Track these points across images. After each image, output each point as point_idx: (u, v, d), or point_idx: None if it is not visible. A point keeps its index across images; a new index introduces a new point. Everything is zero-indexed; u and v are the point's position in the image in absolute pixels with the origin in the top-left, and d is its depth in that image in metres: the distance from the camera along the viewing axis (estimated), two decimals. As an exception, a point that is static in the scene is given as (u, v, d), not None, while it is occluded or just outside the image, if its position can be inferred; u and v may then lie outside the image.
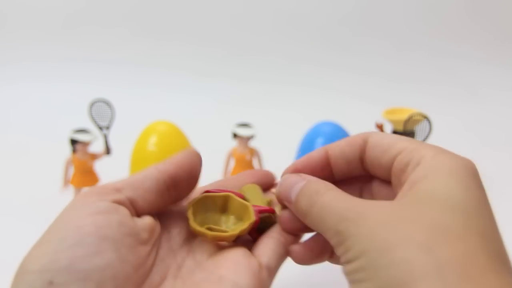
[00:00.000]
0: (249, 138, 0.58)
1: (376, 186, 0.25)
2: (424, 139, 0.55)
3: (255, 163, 0.60)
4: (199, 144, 0.63)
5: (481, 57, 1.14)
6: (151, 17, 1.12)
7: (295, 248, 0.25)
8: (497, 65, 1.14)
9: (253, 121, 0.60)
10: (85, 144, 0.56)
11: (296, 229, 0.25)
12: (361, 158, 0.24)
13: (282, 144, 0.71)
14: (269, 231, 0.26)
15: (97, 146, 0.59)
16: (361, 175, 0.25)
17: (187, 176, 0.25)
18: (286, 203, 0.24)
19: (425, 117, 0.54)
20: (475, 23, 1.15)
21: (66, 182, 0.59)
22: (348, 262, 0.19)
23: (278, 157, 0.66)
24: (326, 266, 0.28)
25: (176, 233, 0.24)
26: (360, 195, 0.26)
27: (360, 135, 0.24)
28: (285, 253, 0.25)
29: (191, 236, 0.25)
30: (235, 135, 0.58)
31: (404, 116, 0.56)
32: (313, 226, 0.22)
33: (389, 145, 0.23)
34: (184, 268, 0.23)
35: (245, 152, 0.59)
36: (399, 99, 0.87)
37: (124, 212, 0.22)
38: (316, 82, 1.10)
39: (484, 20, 1.15)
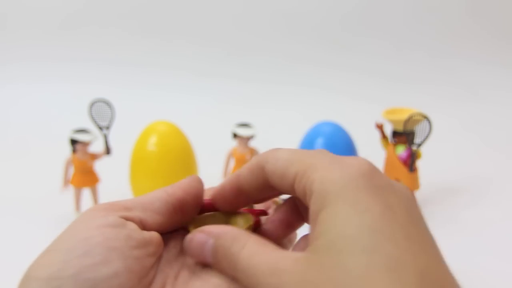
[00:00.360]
0: (249, 138, 0.58)
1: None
2: (424, 139, 0.55)
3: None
4: (199, 144, 0.63)
5: (481, 58, 1.14)
6: (151, 18, 1.12)
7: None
8: (497, 65, 1.14)
9: (253, 121, 0.60)
10: (85, 144, 0.56)
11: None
12: (267, 184, 0.23)
13: (282, 144, 0.71)
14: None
15: (97, 146, 0.59)
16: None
17: (192, 201, 0.25)
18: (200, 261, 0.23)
19: (425, 117, 0.54)
20: (475, 23, 1.15)
21: (66, 182, 0.59)
22: None
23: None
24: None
25: (172, 246, 0.25)
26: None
27: (257, 159, 0.23)
28: None
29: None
30: (235, 135, 0.58)
31: (404, 116, 0.56)
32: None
33: (282, 171, 0.21)
34: (180, 277, 0.23)
35: (245, 152, 0.59)
36: (399, 99, 0.87)
37: (133, 226, 0.22)
38: (316, 82, 1.10)
39: (484, 20, 1.15)
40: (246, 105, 1.02)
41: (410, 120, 0.55)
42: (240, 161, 0.59)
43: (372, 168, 0.19)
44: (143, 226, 0.23)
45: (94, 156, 0.58)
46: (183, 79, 1.09)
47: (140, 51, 1.12)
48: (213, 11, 1.13)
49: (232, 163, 0.60)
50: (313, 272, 0.17)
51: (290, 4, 1.13)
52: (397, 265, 0.16)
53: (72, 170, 0.58)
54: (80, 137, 0.56)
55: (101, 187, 0.60)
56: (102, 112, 0.58)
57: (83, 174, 0.58)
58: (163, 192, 0.24)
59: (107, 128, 0.58)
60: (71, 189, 0.58)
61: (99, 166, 0.60)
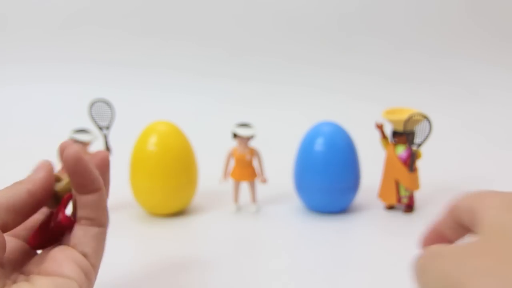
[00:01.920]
0: (249, 138, 0.58)
1: None
2: (424, 139, 0.55)
3: (255, 163, 0.60)
4: (199, 144, 0.63)
5: (481, 57, 1.14)
6: (151, 18, 1.12)
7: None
8: (497, 65, 1.14)
9: (253, 121, 0.60)
10: (85, 144, 0.56)
11: None
12: (463, 225, 0.26)
13: (282, 144, 0.71)
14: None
15: (97, 146, 0.59)
16: None
17: (46, 193, 0.31)
18: None
19: (425, 117, 0.54)
20: (475, 23, 1.15)
21: (66, 182, 0.59)
22: None
23: (278, 157, 0.66)
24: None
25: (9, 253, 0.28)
26: None
27: (451, 206, 0.27)
28: (100, 233, 0.31)
29: (22, 256, 0.29)
30: (235, 135, 0.58)
31: (404, 116, 0.56)
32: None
33: (472, 208, 0.25)
34: (18, 281, 0.26)
35: (245, 152, 0.59)
36: (399, 99, 0.87)
37: None
38: (316, 82, 1.10)
39: (484, 20, 1.15)
40: (246, 105, 1.02)
41: (410, 120, 0.55)
42: (240, 161, 0.59)
43: None
44: (4, 229, 0.26)
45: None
46: (183, 79, 1.09)
47: (140, 51, 1.12)
48: (213, 11, 1.13)
49: (232, 163, 0.60)
50: (478, 244, 0.20)
51: (290, 4, 1.13)
52: None
53: (72, 170, 0.58)
54: (80, 137, 0.56)
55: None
56: (102, 112, 0.58)
57: (83, 174, 0.58)
58: (25, 191, 0.27)
59: (107, 128, 0.58)
60: (71, 189, 0.58)
61: (99, 166, 0.59)
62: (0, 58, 1.08)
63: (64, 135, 0.58)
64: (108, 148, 0.58)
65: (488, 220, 0.22)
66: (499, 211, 0.21)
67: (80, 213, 0.30)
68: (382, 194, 0.60)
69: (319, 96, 1.07)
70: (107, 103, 0.58)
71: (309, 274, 0.44)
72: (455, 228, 0.27)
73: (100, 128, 0.58)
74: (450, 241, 0.28)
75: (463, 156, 0.82)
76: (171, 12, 1.12)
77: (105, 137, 0.58)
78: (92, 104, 0.57)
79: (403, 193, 0.59)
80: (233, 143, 0.60)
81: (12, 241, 0.30)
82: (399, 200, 0.59)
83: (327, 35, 1.14)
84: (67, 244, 0.29)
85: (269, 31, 1.13)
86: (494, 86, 1.11)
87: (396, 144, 0.58)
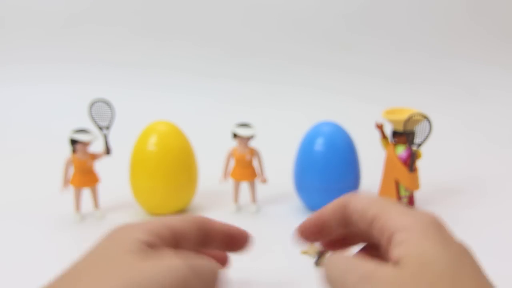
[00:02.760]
0: (249, 138, 0.58)
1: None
2: (424, 139, 0.55)
3: (255, 163, 0.60)
4: (199, 144, 0.63)
5: (481, 58, 1.14)
6: (151, 18, 1.12)
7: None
8: (497, 65, 1.14)
9: (253, 121, 0.60)
10: (85, 144, 0.56)
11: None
12: (346, 221, 0.28)
13: (282, 144, 0.71)
14: None
15: (97, 146, 0.59)
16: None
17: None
18: None
19: (425, 117, 0.54)
20: (476, 23, 1.15)
21: (66, 182, 0.59)
22: None
23: (278, 157, 0.66)
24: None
25: None
26: None
27: (340, 200, 0.28)
28: None
29: None
30: (235, 135, 0.58)
31: (404, 116, 0.56)
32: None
33: (363, 212, 0.26)
34: None
35: (245, 152, 0.59)
36: (399, 99, 0.87)
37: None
38: (316, 82, 1.10)
39: (484, 20, 1.15)
40: (246, 105, 1.02)
41: (410, 120, 0.55)
42: (240, 161, 0.59)
43: (440, 221, 0.25)
44: None
45: (94, 156, 0.58)
46: (183, 79, 1.09)
47: (140, 52, 1.12)
48: (213, 11, 1.13)
49: (232, 163, 0.60)
50: (407, 279, 0.22)
51: (290, 5, 1.13)
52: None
53: (72, 170, 0.58)
54: (80, 137, 0.56)
55: (101, 187, 0.60)
56: (102, 112, 0.58)
57: (83, 174, 0.58)
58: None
59: (107, 128, 0.58)
60: (71, 189, 0.58)
61: (99, 166, 0.60)
62: (0, 58, 1.08)
63: (64, 135, 0.58)
64: (108, 148, 0.58)
65: (410, 250, 0.23)
66: (419, 240, 0.23)
67: None
68: (382, 194, 0.60)
69: (319, 96, 1.07)
70: (107, 103, 0.58)
71: (309, 274, 0.44)
72: (342, 224, 0.28)
73: (100, 128, 0.58)
74: (328, 233, 0.29)
75: (463, 156, 0.82)
76: (171, 13, 1.12)
77: (105, 137, 0.58)
78: (92, 104, 0.57)
79: (403, 193, 0.59)
80: (233, 143, 0.60)
81: None
82: (399, 200, 0.59)
83: (327, 35, 1.14)
84: None
85: (269, 32, 1.13)
86: (494, 86, 1.11)
87: (396, 144, 0.58)
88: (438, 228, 0.24)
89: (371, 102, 0.94)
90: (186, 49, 1.12)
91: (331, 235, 0.29)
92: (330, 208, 0.28)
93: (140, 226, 0.26)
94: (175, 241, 0.27)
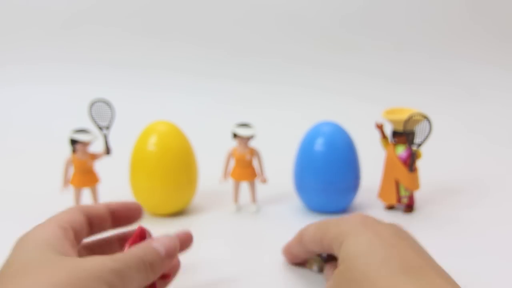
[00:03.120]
0: (249, 138, 0.58)
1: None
2: (424, 139, 0.55)
3: (255, 163, 0.60)
4: (199, 144, 0.63)
5: (482, 58, 1.14)
6: (151, 18, 1.12)
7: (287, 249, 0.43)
8: (498, 66, 1.14)
9: (253, 121, 0.60)
10: (85, 144, 0.56)
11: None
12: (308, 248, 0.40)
13: (282, 144, 0.71)
14: None
15: (97, 146, 0.59)
16: None
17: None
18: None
19: (425, 117, 0.54)
20: (476, 23, 1.15)
21: (66, 182, 0.59)
22: None
23: (278, 157, 0.66)
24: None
25: None
26: None
27: (299, 234, 0.40)
28: None
29: None
30: (235, 135, 0.58)
31: (404, 116, 0.56)
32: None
33: (315, 240, 0.36)
34: None
35: (245, 152, 0.59)
36: (399, 99, 0.87)
37: None
38: (316, 82, 1.10)
39: (485, 20, 1.15)
40: (245, 105, 1.02)
41: (410, 120, 0.55)
42: (240, 161, 0.59)
43: (364, 216, 0.33)
44: None
45: (94, 156, 0.58)
46: (183, 79, 1.10)
47: (140, 52, 1.12)
48: (213, 12, 1.13)
49: (232, 163, 0.60)
50: (339, 280, 0.29)
51: (289, 5, 1.13)
52: (385, 258, 0.27)
53: (72, 170, 0.58)
54: (80, 137, 0.56)
55: (101, 187, 0.60)
56: (102, 112, 0.58)
57: (83, 174, 0.58)
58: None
59: (107, 128, 0.58)
60: (71, 189, 0.58)
61: (99, 166, 0.60)
62: (0, 58, 1.08)
63: (64, 135, 0.58)
64: (108, 148, 0.58)
65: (341, 254, 0.30)
66: (348, 241, 0.30)
67: None
68: (382, 194, 0.60)
69: (319, 96, 1.07)
70: (107, 103, 0.58)
71: (309, 274, 0.44)
72: (304, 252, 0.38)
73: (100, 128, 0.58)
74: (301, 257, 0.41)
75: (463, 156, 0.82)
76: (171, 13, 1.12)
77: (105, 137, 0.58)
78: (92, 104, 0.57)
79: (403, 193, 0.59)
80: (233, 143, 0.60)
81: None
82: (399, 200, 0.59)
83: (327, 35, 1.14)
84: None
85: (269, 32, 1.13)
86: (494, 87, 1.11)
87: (396, 144, 0.58)
88: (364, 222, 0.31)
89: (371, 102, 0.94)
90: (186, 49, 1.12)
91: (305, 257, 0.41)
92: (294, 242, 0.40)
93: (36, 235, 0.27)
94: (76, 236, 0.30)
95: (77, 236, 0.30)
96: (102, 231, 0.33)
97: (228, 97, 1.06)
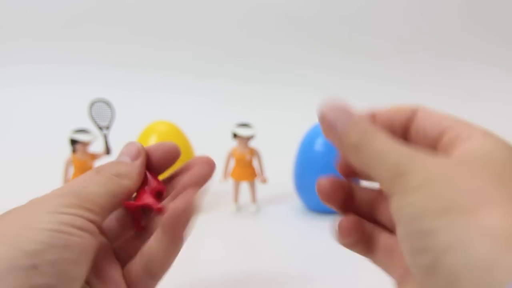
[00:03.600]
0: (249, 138, 0.58)
1: None
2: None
3: (255, 163, 0.60)
4: (199, 144, 0.63)
5: (482, 59, 1.14)
6: (151, 19, 1.12)
7: (342, 222, 0.25)
8: (498, 66, 1.14)
9: (253, 121, 0.60)
10: (85, 144, 0.56)
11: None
12: (406, 128, 0.24)
13: (282, 144, 0.71)
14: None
15: (97, 146, 0.59)
16: None
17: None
18: (327, 130, 0.23)
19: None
20: (476, 24, 1.15)
21: (66, 182, 0.59)
22: (404, 192, 0.18)
23: (278, 157, 0.66)
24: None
25: None
26: None
27: (409, 105, 0.24)
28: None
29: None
30: (235, 135, 0.58)
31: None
32: (363, 164, 0.21)
33: (439, 120, 0.22)
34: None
35: (245, 152, 0.59)
36: (399, 100, 0.87)
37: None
38: (316, 82, 1.10)
39: (485, 21, 1.15)
40: (246, 106, 1.02)
41: (410, 120, 0.55)
42: (240, 161, 0.59)
43: None
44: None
45: (94, 156, 0.58)
46: (183, 80, 1.10)
47: (141, 52, 1.12)
48: (213, 12, 1.13)
49: (232, 163, 0.60)
50: (463, 164, 0.18)
51: (289, 5, 1.13)
52: None
53: (72, 170, 0.58)
54: (80, 137, 0.56)
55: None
56: (102, 112, 0.58)
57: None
58: (126, 189, 0.25)
59: (107, 128, 0.58)
60: (71, 189, 0.58)
61: (99, 166, 0.60)
62: (0, 58, 1.08)
63: (64, 135, 0.58)
64: (108, 148, 0.58)
65: (468, 145, 0.20)
66: (486, 138, 0.20)
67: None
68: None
69: (319, 96, 1.06)
70: (107, 103, 0.58)
71: (309, 274, 0.44)
72: (395, 130, 0.24)
73: (100, 128, 0.58)
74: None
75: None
76: (171, 14, 1.12)
77: (105, 137, 0.58)
78: (92, 104, 0.57)
79: (403, 193, 0.59)
80: (233, 143, 0.60)
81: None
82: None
83: (326, 36, 1.14)
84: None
85: (268, 33, 1.13)
86: (494, 88, 1.11)
87: (396, 144, 0.58)
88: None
89: (372, 102, 0.94)
90: (186, 50, 1.12)
91: None
92: (392, 108, 0.24)
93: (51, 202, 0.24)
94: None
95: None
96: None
97: (228, 97, 1.06)
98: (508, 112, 1.02)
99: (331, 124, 0.22)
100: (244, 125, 0.58)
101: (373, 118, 0.24)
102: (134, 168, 0.27)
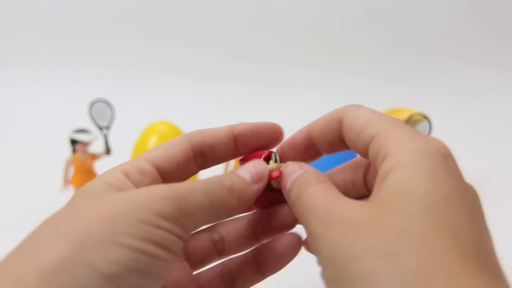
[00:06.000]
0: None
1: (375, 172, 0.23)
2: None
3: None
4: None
5: (483, 60, 1.14)
6: (151, 20, 1.12)
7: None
8: (498, 67, 1.14)
9: (252, 122, 0.60)
10: (85, 144, 0.56)
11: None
12: (340, 138, 0.23)
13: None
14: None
15: (97, 146, 0.59)
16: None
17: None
18: (283, 191, 0.23)
19: (425, 117, 0.54)
20: (476, 24, 1.15)
21: (66, 182, 0.59)
22: (320, 267, 0.18)
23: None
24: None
25: None
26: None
27: (335, 113, 0.23)
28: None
29: None
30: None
31: (404, 116, 0.56)
32: (298, 219, 0.21)
33: (360, 130, 0.21)
34: None
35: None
36: (399, 101, 0.87)
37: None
38: (316, 83, 1.10)
39: (486, 22, 1.15)
40: (245, 106, 1.02)
41: (410, 120, 0.55)
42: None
43: (449, 152, 0.19)
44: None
45: (94, 156, 0.58)
46: (183, 80, 1.10)
47: (141, 53, 1.12)
48: (213, 13, 1.13)
49: (232, 163, 0.60)
50: (374, 212, 0.17)
51: (289, 6, 1.13)
52: (457, 233, 0.16)
53: (72, 170, 0.58)
54: (80, 137, 0.56)
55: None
56: (102, 112, 0.58)
57: (83, 174, 0.58)
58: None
59: (107, 128, 0.58)
60: (71, 189, 0.59)
61: (99, 166, 0.60)
62: (0, 59, 1.08)
63: (64, 135, 0.58)
64: (108, 148, 0.58)
65: (392, 181, 0.18)
66: (410, 168, 0.17)
67: None
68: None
69: (319, 97, 1.07)
70: (107, 103, 0.58)
71: (309, 274, 0.44)
72: (334, 143, 0.23)
73: (100, 128, 0.58)
74: (316, 154, 0.24)
75: (463, 156, 0.82)
76: (171, 15, 1.12)
77: (105, 137, 0.58)
78: (92, 104, 0.57)
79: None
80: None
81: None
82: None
83: (326, 36, 1.14)
84: None
85: (268, 33, 1.13)
86: (494, 88, 1.11)
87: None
88: (443, 161, 0.18)
89: (371, 103, 0.94)
90: (186, 50, 1.12)
91: (318, 156, 0.25)
92: (321, 122, 0.24)
93: (115, 169, 0.23)
94: (168, 172, 0.23)
95: (169, 174, 0.24)
96: (222, 161, 0.26)
97: (228, 97, 1.06)
98: (509, 112, 1.02)
99: (284, 186, 0.23)
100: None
101: (308, 140, 0.24)
102: (250, 192, 0.23)
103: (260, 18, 1.13)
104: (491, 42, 1.15)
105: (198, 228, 0.21)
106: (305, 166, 0.23)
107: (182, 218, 0.19)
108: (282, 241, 0.25)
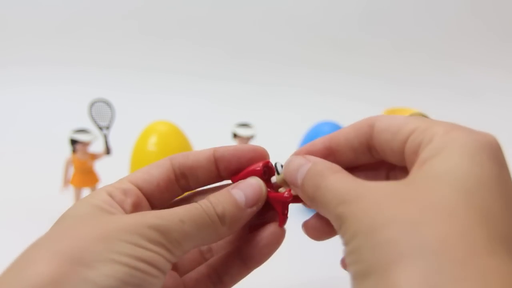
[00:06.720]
0: (249, 138, 0.58)
1: (399, 172, 0.23)
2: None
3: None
4: (199, 144, 0.63)
5: (483, 60, 1.14)
6: (151, 20, 1.12)
7: (309, 222, 0.25)
8: (498, 67, 1.14)
9: (253, 122, 0.60)
10: (85, 144, 0.56)
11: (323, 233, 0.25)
12: (368, 144, 0.22)
13: (282, 144, 0.71)
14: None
15: (97, 146, 0.59)
16: (380, 162, 0.23)
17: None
18: (293, 188, 0.24)
19: (425, 117, 0.54)
20: (477, 25, 1.15)
21: (66, 182, 0.59)
22: (345, 244, 0.18)
23: (278, 157, 0.66)
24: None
25: None
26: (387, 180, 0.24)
27: (365, 120, 0.22)
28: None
29: None
30: (235, 135, 0.58)
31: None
32: (319, 211, 0.21)
33: (398, 128, 0.21)
34: None
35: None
36: (399, 100, 0.87)
37: None
38: (316, 83, 1.10)
39: (486, 22, 1.15)
40: (246, 106, 1.02)
41: (410, 120, 0.55)
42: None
43: (497, 144, 0.18)
44: None
45: (94, 156, 0.58)
46: (183, 80, 1.10)
47: (141, 53, 1.12)
48: (212, 14, 1.13)
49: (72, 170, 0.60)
50: (402, 188, 0.17)
51: (288, 6, 1.13)
52: (487, 215, 0.16)
53: (72, 170, 0.58)
54: (80, 137, 0.56)
55: (101, 187, 0.60)
56: (102, 112, 0.58)
57: (83, 174, 0.58)
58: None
59: (107, 128, 0.58)
60: (71, 189, 0.59)
61: (99, 166, 0.60)
62: (0, 59, 1.08)
63: (64, 135, 0.58)
64: (108, 148, 0.58)
65: (431, 163, 0.17)
66: (457, 156, 0.17)
67: None
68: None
69: (319, 97, 1.07)
70: (107, 103, 0.58)
71: (309, 274, 0.44)
72: (362, 149, 0.22)
73: (100, 128, 0.58)
74: (340, 162, 0.23)
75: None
76: (171, 15, 1.12)
77: (105, 137, 0.58)
78: (92, 104, 0.57)
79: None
80: (233, 143, 0.60)
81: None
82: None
83: (326, 36, 1.14)
84: None
85: (268, 33, 1.13)
86: (494, 88, 1.11)
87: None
88: (488, 149, 0.17)
89: (371, 102, 0.94)
90: (186, 50, 1.12)
91: (343, 165, 0.22)
92: (347, 129, 0.23)
93: (100, 191, 0.24)
94: (149, 192, 0.24)
95: (151, 195, 0.24)
96: (205, 183, 0.26)
97: (228, 97, 1.06)
98: (509, 112, 1.02)
99: (293, 182, 0.23)
100: (244, 125, 0.58)
101: (330, 150, 0.24)
102: (242, 219, 0.23)
103: (260, 18, 1.13)
104: (492, 43, 1.15)
105: (186, 253, 0.21)
106: (310, 157, 0.23)
107: (170, 245, 0.20)
108: (265, 232, 0.26)
